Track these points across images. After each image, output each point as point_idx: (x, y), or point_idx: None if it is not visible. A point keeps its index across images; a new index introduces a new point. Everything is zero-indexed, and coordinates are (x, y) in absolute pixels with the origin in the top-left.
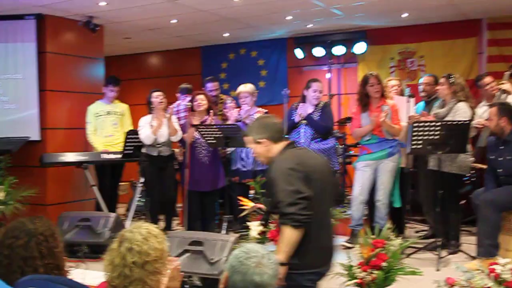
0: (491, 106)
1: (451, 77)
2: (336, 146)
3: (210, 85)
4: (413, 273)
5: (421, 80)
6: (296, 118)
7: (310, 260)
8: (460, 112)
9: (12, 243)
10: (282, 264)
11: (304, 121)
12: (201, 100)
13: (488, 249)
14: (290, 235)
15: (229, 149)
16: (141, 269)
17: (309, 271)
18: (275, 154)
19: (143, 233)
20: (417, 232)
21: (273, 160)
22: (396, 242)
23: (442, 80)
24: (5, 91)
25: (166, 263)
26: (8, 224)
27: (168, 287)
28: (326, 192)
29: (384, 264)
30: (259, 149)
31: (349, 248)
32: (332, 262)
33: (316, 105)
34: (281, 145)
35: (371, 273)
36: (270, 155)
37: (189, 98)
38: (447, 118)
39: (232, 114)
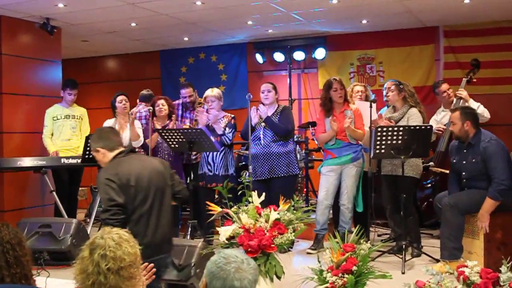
0: (453, 111)
1: (401, 84)
2: (298, 150)
3: (184, 92)
4: (383, 276)
5: (385, 85)
6: (254, 119)
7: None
8: (414, 117)
9: None
10: None
11: (263, 124)
12: (162, 105)
13: (452, 252)
14: None
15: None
16: (116, 275)
17: None
18: (109, 161)
19: (115, 238)
20: (379, 235)
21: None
22: (366, 246)
23: (392, 87)
24: None
25: (140, 267)
26: None
27: None
28: (151, 194)
29: (354, 268)
30: (98, 156)
31: (312, 254)
32: (164, 252)
33: (276, 109)
34: (114, 153)
35: (342, 277)
36: (106, 161)
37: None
38: (401, 123)
39: (202, 119)
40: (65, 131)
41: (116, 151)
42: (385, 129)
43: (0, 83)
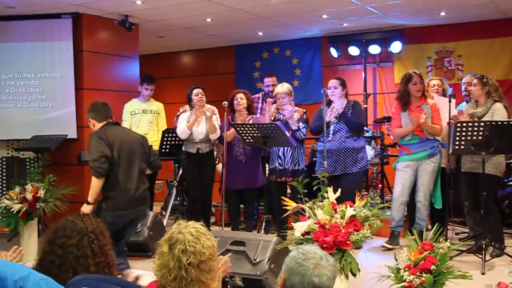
0: None
1: (484, 78)
2: (373, 145)
3: (267, 80)
4: (463, 277)
5: (464, 80)
6: (330, 116)
7: (114, 203)
8: (499, 112)
9: (64, 242)
10: (88, 203)
11: (335, 120)
12: (241, 99)
13: None
14: (94, 182)
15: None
16: (197, 269)
17: (115, 212)
18: (97, 129)
19: (193, 232)
20: (457, 234)
21: None
22: (445, 245)
23: (475, 81)
24: (43, 89)
25: (218, 259)
26: (54, 223)
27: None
28: (130, 156)
29: (433, 267)
30: (90, 125)
31: (389, 249)
32: (137, 209)
33: (346, 104)
34: (102, 124)
35: (420, 276)
36: (95, 129)
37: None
38: (485, 119)
39: (269, 113)
40: (142, 125)
41: (104, 122)
42: (465, 124)
43: (81, 78)
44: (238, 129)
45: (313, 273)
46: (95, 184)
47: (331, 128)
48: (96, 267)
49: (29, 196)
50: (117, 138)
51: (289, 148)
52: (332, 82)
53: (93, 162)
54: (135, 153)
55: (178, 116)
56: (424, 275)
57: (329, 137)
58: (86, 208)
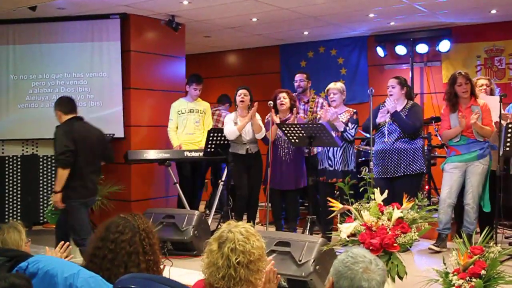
0: None
1: None
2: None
3: (298, 76)
4: None
5: None
6: (379, 118)
7: (79, 192)
8: None
9: (117, 237)
10: (56, 192)
11: (389, 120)
12: (284, 98)
13: None
14: (60, 173)
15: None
16: (245, 268)
17: (80, 200)
18: (63, 121)
19: (243, 232)
20: (507, 238)
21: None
22: (496, 249)
23: None
24: (91, 89)
25: (266, 260)
26: (101, 220)
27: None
28: (92, 150)
29: (483, 272)
30: (56, 116)
31: (436, 252)
32: (93, 198)
33: (404, 105)
34: (68, 117)
35: (470, 281)
36: (61, 121)
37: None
38: None
39: (326, 115)
40: (189, 125)
41: (70, 116)
42: None
43: (128, 78)
44: (284, 129)
45: (362, 277)
46: (61, 174)
47: (386, 128)
48: (146, 264)
49: None
50: (81, 133)
51: (339, 148)
52: (390, 81)
53: (59, 155)
54: (96, 147)
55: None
56: (474, 280)
57: (383, 138)
58: (55, 197)
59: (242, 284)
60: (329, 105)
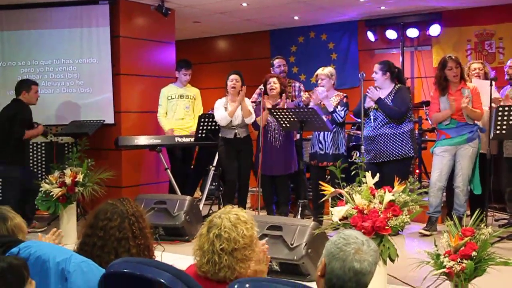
0: None
1: None
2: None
3: (277, 62)
4: (506, 263)
5: (508, 63)
6: (367, 103)
7: None
8: None
9: (106, 224)
10: None
11: (375, 106)
12: (274, 83)
13: None
14: None
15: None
16: (229, 256)
17: None
18: None
19: (231, 219)
20: (496, 220)
21: None
22: (487, 231)
23: None
24: (81, 75)
25: (255, 249)
26: (93, 207)
27: (255, 270)
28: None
29: (474, 253)
30: None
31: (426, 235)
32: None
33: (391, 89)
34: None
35: (461, 262)
36: None
37: None
38: None
39: (317, 97)
40: (178, 110)
41: None
42: (506, 108)
43: (118, 64)
44: (275, 113)
45: (354, 258)
46: None
47: (371, 114)
48: (137, 249)
49: (68, 180)
50: None
51: (329, 132)
52: (374, 67)
53: None
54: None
55: None
56: (465, 261)
57: (370, 123)
58: None
59: (226, 271)
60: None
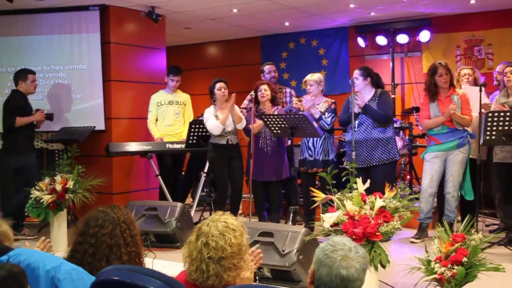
0: None
1: None
2: (402, 136)
3: (267, 68)
4: (496, 269)
5: (498, 69)
6: (356, 109)
7: None
8: None
9: (98, 231)
10: None
11: (361, 111)
12: (265, 90)
13: None
14: None
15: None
16: (216, 264)
17: None
18: None
19: (219, 227)
20: (487, 226)
21: None
22: (477, 237)
23: (507, 69)
24: (71, 81)
25: (244, 257)
26: (83, 214)
27: (245, 278)
28: None
29: (464, 259)
30: None
31: (415, 243)
32: None
33: (373, 94)
34: None
35: (451, 268)
36: None
37: None
38: None
39: (307, 104)
40: (168, 116)
41: None
42: (496, 114)
43: (109, 70)
44: (266, 120)
45: (340, 265)
46: None
47: (357, 120)
48: (128, 256)
49: (58, 187)
50: None
51: (319, 138)
52: (354, 73)
53: None
54: None
55: None
56: (456, 267)
57: (359, 127)
58: None
59: (214, 279)
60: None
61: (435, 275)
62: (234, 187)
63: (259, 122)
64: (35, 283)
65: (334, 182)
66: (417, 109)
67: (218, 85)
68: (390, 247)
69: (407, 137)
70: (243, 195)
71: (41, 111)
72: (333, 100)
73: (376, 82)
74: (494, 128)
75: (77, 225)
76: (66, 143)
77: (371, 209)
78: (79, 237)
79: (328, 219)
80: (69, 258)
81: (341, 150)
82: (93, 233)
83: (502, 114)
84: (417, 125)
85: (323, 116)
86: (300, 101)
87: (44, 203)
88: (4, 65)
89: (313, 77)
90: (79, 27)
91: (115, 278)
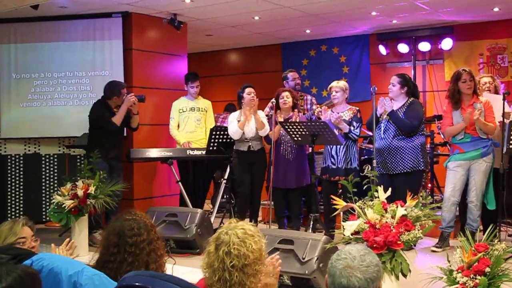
0: None
1: None
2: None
3: (291, 75)
4: None
5: None
6: (379, 111)
7: None
8: None
9: (136, 240)
10: None
11: (386, 117)
12: (287, 97)
13: None
14: None
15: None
16: (240, 272)
17: None
18: None
19: (239, 235)
20: (510, 235)
21: None
22: (500, 247)
23: None
24: (93, 87)
25: (264, 262)
26: (107, 223)
27: (266, 283)
28: None
29: (487, 269)
30: None
31: (436, 252)
32: None
33: (404, 102)
34: None
35: (474, 278)
36: None
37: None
38: None
39: (326, 116)
40: (190, 123)
41: None
42: None
43: (131, 77)
44: (287, 127)
45: (341, 274)
46: None
47: (382, 125)
48: (161, 259)
49: (80, 192)
50: None
51: (342, 147)
52: (392, 79)
53: None
54: None
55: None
56: (478, 277)
57: (380, 134)
58: None
59: (238, 287)
60: (332, 106)
61: (457, 285)
62: (254, 193)
63: (277, 128)
64: (58, 287)
65: (355, 190)
66: (438, 117)
67: (248, 89)
68: (411, 256)
69: (428, 145)
70: (262, 202)
71: (130, 95)
72: (357, 108)
73: (412, 92)
74: None
75: (105, 237)
76: (88, 149)
77: (393, 217)
78: (112, 248)
79: (349, 227)
80: (101, 268)
81: (362, 158)
82: (131, 243)
83: None
84: (438, 133)
85: (351, 128)
86: (321, 110)
87: (66, 208)
88: (28, 71)
89: (339, 84)
90: (101, 34)
91: (137, 284)
